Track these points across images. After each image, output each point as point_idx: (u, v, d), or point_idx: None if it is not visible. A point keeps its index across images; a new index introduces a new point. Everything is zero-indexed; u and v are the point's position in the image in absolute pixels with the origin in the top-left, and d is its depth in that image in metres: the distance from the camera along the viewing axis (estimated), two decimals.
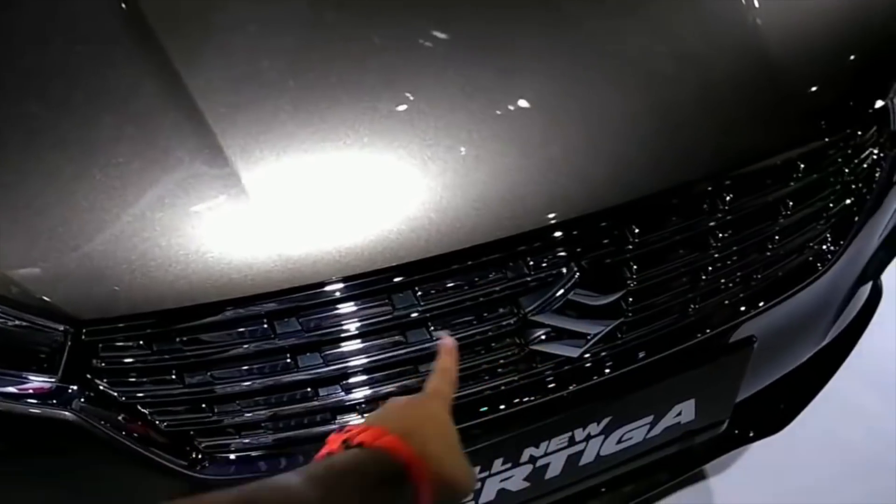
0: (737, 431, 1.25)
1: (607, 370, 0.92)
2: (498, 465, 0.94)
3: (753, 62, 0.95)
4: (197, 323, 0.75)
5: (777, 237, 0.96)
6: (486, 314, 0.83)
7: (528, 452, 0.95)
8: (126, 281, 0.73)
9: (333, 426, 0.83)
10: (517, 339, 0.86)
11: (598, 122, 0.86)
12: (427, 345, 0.82)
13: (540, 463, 0.98)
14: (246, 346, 0.76)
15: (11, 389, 0.75)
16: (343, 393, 0.81)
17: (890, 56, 1.02)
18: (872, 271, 1.20)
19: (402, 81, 0.86)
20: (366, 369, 0.81)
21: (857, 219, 1.03)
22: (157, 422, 0.79)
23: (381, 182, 0.80)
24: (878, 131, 1.01)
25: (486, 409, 0.88)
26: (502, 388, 0.87)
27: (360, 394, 0.82)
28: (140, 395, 0.77)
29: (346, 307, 0.78)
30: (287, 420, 0.82)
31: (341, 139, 0.81)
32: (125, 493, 0.84)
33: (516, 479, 0.98)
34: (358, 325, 0.79)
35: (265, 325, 0.76)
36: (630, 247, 0.85)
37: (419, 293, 0.79)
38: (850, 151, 0.98)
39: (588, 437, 0.98)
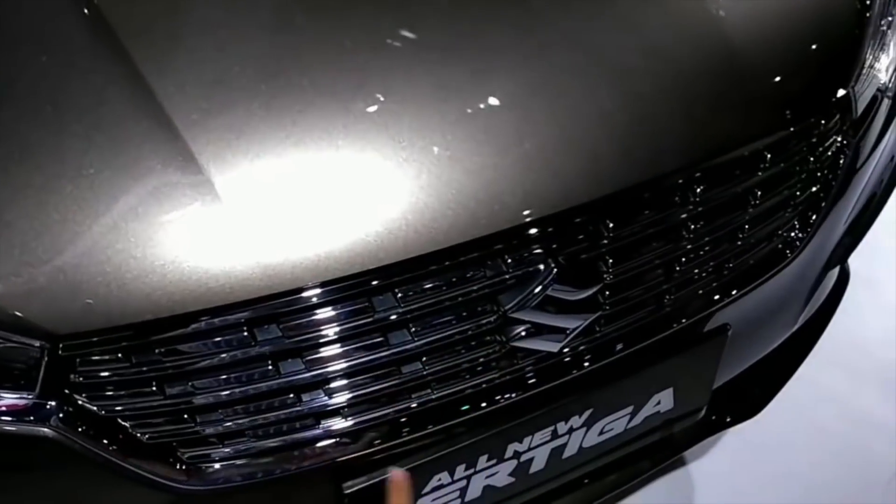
0: (714, 417, 1.27)
1: (587, 363, 0.93)
2: (483, 461, 0.95)
3: (719, 55, 0.97)
4: (175, 333, 0.74)
5: (747, 226, 0.98)
6: (466, 313, 0.83)
7: (512, 448, 0.96)
8: (102, 293, 0.72)
9: (317, 430, 0.83)
10: (498, 336, 0.86)
11: (569, 119, 0.87)
12: (409, 346, 0.82)
13: (524, 458, 0.99)
14: (226, 354, 0.76)
15: None
16: (326, 397, 0.81)
17: (851, 45, 1.05)
18: (839, 256, 1.23)
19: (374, 83, 0.86)
20: (348, 373, 0.81)
21: (823, 205, 1.06)
22: (139, 434, 0.78)
23: (356, 185, 0.80)
24: (842, 119, 1.03)
25: (469, 407, 0.88)
26: (484, 385, 0.88)
27: (342, 398, 0.82)
28: (120, 408, 0.76)
29: (326, 312, 0.78)
30: (270, 427, 0.81)
31: (315, 143, 0.81)
32: None
33: (501, 475, 0.99)
34: (338, 328, 0.79)
35: (245, 333, 0.76)
36: (605, 241, 0.87)
37: (399, 295, 0.80)
38: (814, 140, 1.01)
39: (570, 430, 0.99)
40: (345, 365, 0.80)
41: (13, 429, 0.74)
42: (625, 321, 0.93)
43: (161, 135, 0.78)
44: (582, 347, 0.92)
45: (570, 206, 0.83)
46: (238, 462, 0.82)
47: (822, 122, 1.01)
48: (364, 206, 0.79)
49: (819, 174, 1.04)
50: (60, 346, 0.72)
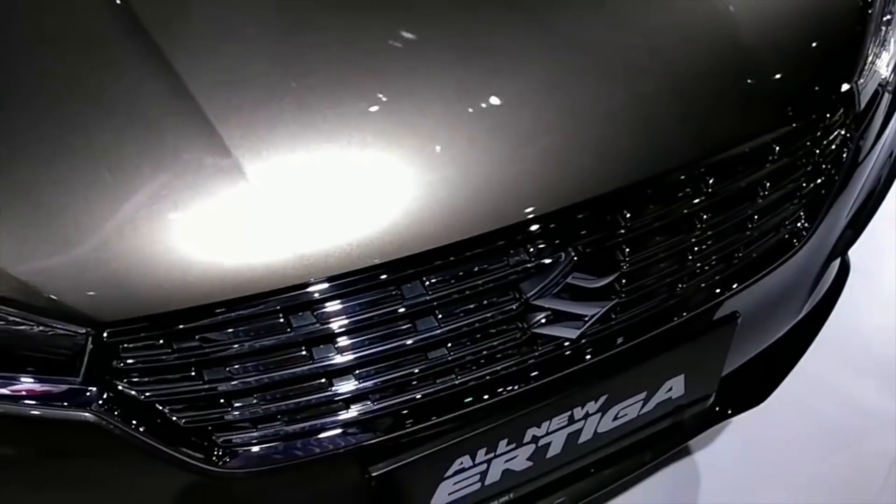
0: (721, 405, 1.30)
1: (603, 350, 0.96)
2: (503, 446, 0.98)
3: (727, 53, 1.00)
4: (214, 321, 0.77)
5: (756, 217, 1.02)
6: (489, 300, 0.86)
7: (530, 432, 0.99)
8: (145, 282, 0.75)
9: (346, 415, 0.86)
10: (519, 323, 0.90)
11: (587, 115, 0.91)
12: (435, 332, 0.85)
13: (542, 442, 1.02)
14: (262, 340, 0.79)
15: (33, 392, 0.76)
16: (355, 382, 0.84)
17: (853, 42, 1.09)
18: (842, 247, 1.27)
19: (399, 82, 0.89)
20: (376, 359, 0.84)
21: (828, 197, 1.09)
22: (176, 419, 0.81)
23: (386, 178, 0.83)
24: (845, 113, 1.07)
25: (490, 392, 0.91)
26: (505, 371, 0.91)
27: (370, 383, 0.85)
28: (159, 393, 0.79)
29: (358, 299, 0.81)
30: (301, 411, 0.84)
31: (345, 138, 0.84)
32: (146, 491, 0.85)
33: (520, 460, 1.02)
34: (369, 315, 0.82)
35: (280, 320, 0.79)
36: (622, 231, 0.90)
37: (427, 283, 0.83)
38: (819, 134, 1.04)
39: (586, 416, 1.03)
40: (373, 351, 0.83)
41: (56, 413, 0.77)
42: (639, 309, 0.97)
43: (196, 130, 0.81)
44: (599, 334, 0.95)
45: (588, 197, 0.86)
46: (269, 446, 0.85)
47: (827, 115, 1.04)
48: (394, 197, 0.82)
49: (824, 167, 1.08)
50: (105, 333, 0.75)
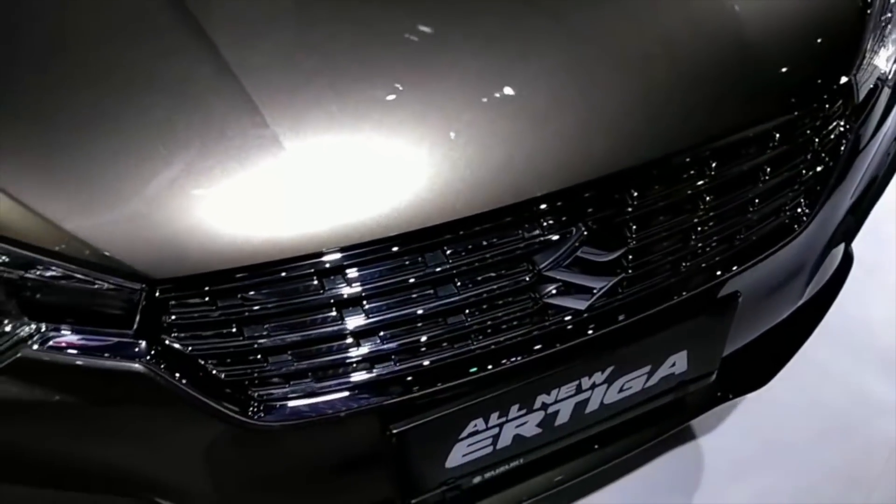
0: (723, 387, 1.36)
1: (610, 323, 1.02)
2: (514, 411, 1.05)
3: (733, 45, 1.06)
4: (255, 281, 0.84)
5: (756, 201, 1.08)
6: (505, 270, 0.93)
7: (540, 399, 1.05)
8: (194, 243, 0.82)
9: (370, 375, 0.93)
10: (532, 293, 0.96)
11: (600, 100, 0.97)
12: (454, 299, 0.92)
13: (551, 410, 1.08)
14: (297, 300, 0.86)
15: (89, 344, 0.84)
16: (380, 343, 0.92)
17: (852, 38, 1.15)
18: (841, 235, 1.33)
19: (426, 68, 0.96)
20: (400, 321, 0.91)
21: (827, 185, 1.15)
22: (217, 373, 0.88)
23: (412, 155, 0.90)
24: (844, 105, 1.13)
25: (504, 358, 0.98)
26: (518, 338, 0.97)
27: (394, 344, 0.92)
28: (203, 347, 0.87)
29: (384, 265, 0.88)
30: (330, 369, 0.91)
31: (375, 119, 0.91)
32: (186, 440, 0.93)
33: (530, 426, 1.08)
34: (394, 281, 0.89)
35: (314, 282, 0.86)
36: (630, 209, 0.96)
37: (447, 252, 0.90)
38: (819, 123, 1.10)
39: (593, 386, 1.09)
40: (397, 314, 0.90)
41: (110, 364, 0.85)
42: (645, 284, 1.03)
43: (241, 108, 0.89)
44: (606, 307, 1.01)
45: (598, 176, 0.93)
46: (300, 402, 0.92)
47: (826, 106, 1.10)
48: (418, 173, 0.89)
49: (823, 155, 1.14)
50: (157, 289, 0.83)
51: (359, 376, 0.92)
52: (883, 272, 2.05)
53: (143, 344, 0.85)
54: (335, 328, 0.89)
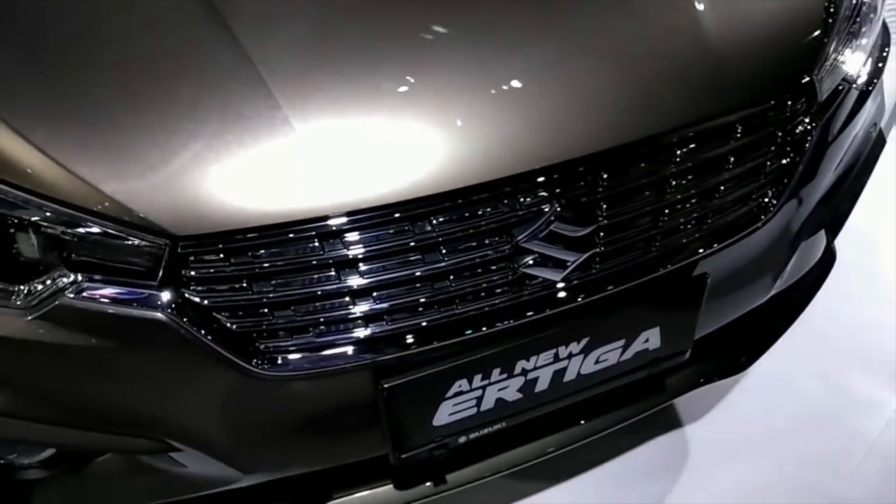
0: (700, 369, 1.44)
1: (584, 295, 1.12)
2: (496, 374, 1.14)
3: (705, 43, 1.16)
4: (264, 240, 0.96)
5: (722, 188, 1.17)
6: (486, 240, 1.04)
7: (520, 365, 1.15)
8: (213, 204, 0.94)
9: (366, 332, 1.04)
10: (511, 263, 1.07)
11: (576, 88, 1.08)
12: (440, 265, 1.03)
13: (531, 376, 1.17)
14: (300, 259, 0.98)
15: (121, 296, 0.96)
16: (373, 303, 1.03)
17: (815, 41, 1.24)
18: (812, 228, 1.41)
19: (426, 58, 1.08)
20: (391, 283, 1.02)
21: (792, 177, 1.25)
22: (229, 324, 1.00)
23: (406, 135, 1.02)
24: (807, 102, 1.22)
25: (485, 323, 1.08)
26: (499, 304, 1.08)
27: (386, 304, 1.03)
28: (216, 300, 0.98)
29: (378, 231, 0.99)
30: (329, 325, 1.03)
31: (376, 103, 1.03)
32: (199, 385, 1.04)
33: (511, 391, 1.17)
34: (386, 245, 1.00)
35: (316, 244, 0.98)
36: (600, 189, 1.07)
37: (434, 221, 1.01)
38: (782, 118, 1.20)
39: (570, 356, 1.18)
40: (388, 276, 1.01)
41: (136, 313, 0.96)
42: (617, 261, 1.13)
43: (256, 91, 1.01)
44: (580, 281, 1.11)
45: (571, 157, 1.03)
46: (301, 355, 1.03)
47: (788, 103, 1.20)
48: (410, 151, 1.01)
49: (788, 149, 1.23)
50: (179, 245, 0.95)
51: (354, 333, 1.03)
52: (874, 276, 2.09)
53: (166, 297, 0.97)
54: (332, 287, 1.00)
